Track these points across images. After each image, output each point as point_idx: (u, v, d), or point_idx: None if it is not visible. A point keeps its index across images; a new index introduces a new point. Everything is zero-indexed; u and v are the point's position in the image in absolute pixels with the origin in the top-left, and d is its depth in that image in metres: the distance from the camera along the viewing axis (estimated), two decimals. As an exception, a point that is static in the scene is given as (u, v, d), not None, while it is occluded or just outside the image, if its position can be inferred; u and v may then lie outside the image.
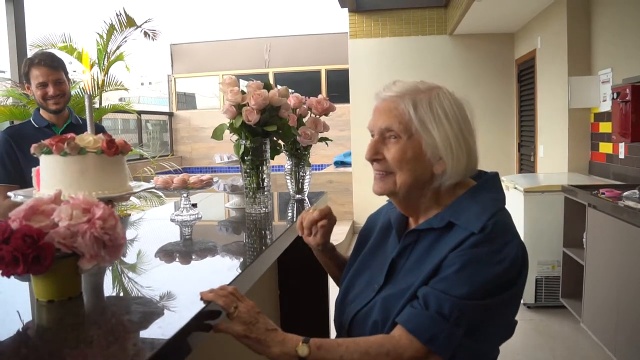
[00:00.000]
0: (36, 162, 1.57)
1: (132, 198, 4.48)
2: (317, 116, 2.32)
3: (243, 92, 1.87)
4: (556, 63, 4.89)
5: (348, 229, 6.52)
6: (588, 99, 4.23)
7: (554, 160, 4.99)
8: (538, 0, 4.99)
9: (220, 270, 1.37)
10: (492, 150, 6.38)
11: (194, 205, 1.97)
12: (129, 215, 2.81)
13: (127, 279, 1.27)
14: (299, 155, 2.34)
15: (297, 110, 2.28)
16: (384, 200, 1.30)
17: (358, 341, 1.08)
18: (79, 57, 5.07)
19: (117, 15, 5.16)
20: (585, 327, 3.28)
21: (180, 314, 0.97)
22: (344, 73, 7.59)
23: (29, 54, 4.85)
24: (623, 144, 3.77)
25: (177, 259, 1.48)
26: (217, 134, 1.96)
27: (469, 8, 5.25)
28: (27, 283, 1.11)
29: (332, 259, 1.48)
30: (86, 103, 1.62)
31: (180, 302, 1.06)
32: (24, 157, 2.41)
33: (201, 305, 1.00)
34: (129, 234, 1.80)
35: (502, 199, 1.17)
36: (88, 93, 1.63)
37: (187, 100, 13.09)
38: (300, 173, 2.37)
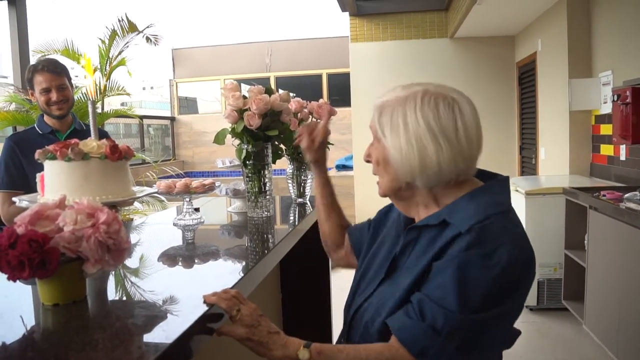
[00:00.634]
0: (40, 168, 1.58)
1: (134, 203, 4.49)
2: (318, 121, 2.33)
3: (245, 97, 1.88)
4: (557, 65, 4.90)
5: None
6: (589, 101, 4.24)
7: (556, 163, 5.00)
8: (538, 2, 5.00)
9: (222, 274, 1.38)
10: (493, 152, 6.38)
11: (197, 210, 1.98)
12: (132, 219, 2.82)
13: (130, 283, 1.28)
14: (301, 159, 2.35)
15: (299, 114, 2.29)
16: (384, 202, 1.32)
17: (358, 348, 1.09)
18: (81, 63, 5.09)
19: (119, 20, 5.19)
20: (587, 329, 3.28)
21: (183, 318, 0.98)
22: (345, 77, 7.60)
23: (31, 60, 4.88)
24: (624, 146, 3.78)
25: (179, 263, 1.49)
26: (219, 139, 1.97)
27: (470, 11, 5.27)
28: (32, 287, 1.13)
29: (330, 196, 1.58)
30: (89, 109, 1.63)
31: (183, 305, 1.07)
32: (28, 163, 2.42)
33: (204, 308, 1.01)
34: (132, 238, 1.81)
35: (503, 202, 1.13)
36: (91, 99, 1.64)
37: (188, 105, 13.13)
38: (302, 177, 2.38)
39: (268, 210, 1.96)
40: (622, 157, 3.85)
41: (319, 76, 11.81)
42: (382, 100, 1.17)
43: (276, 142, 2.02)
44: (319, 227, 1.62)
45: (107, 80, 5.29)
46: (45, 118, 2.56)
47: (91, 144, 1.50)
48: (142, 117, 9.19)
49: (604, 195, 3.10)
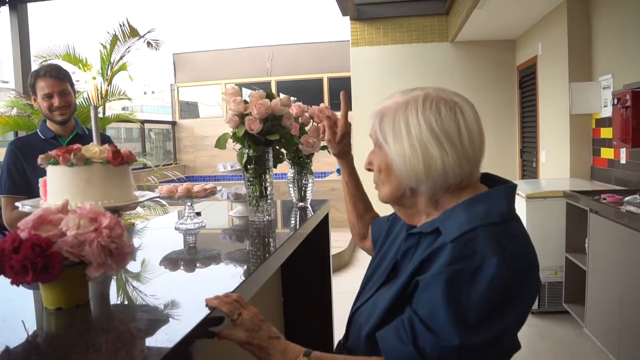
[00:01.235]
0: (43, 173, 1.59)
1: (136, 207, 4.50)
2: (319, 124, 2.34)
3: (246, 102, 1.89)
4: (557, 69, 4.91)
5: (351, 236, 6.50)
6: (589, 105, 4.25)
7: (556, 166, 5.00)
8: (538, 6, 5.02)
9: (224, 278, 1.39)
10: (494, 156, 6.38)
11: (198, 214, 1.99)
12: (134, 224, 2.82)
13: (132, 287, 1.29)
14: (302, 164, 2.36)
15: (299, 119, 2.30)
16: (386, 207, 1.31)
17: None
18: (83, 68, 5.10)
19: (120, 25, 5.20)
20: (588, 332, 3.28)
21: (185, 321, 0.98)
22: (346, 81, 7.61)
23: (33, 65, 4.90)
24: (624, 149, 3.78)
25: (181, 267, 1.50)
26: (221, 143, 1.98)
27: (470, 15, 5.28)
28: (35, 291, 1.13)
29: (356, 186, 1.59)
30: (92, 114, 1.64)
31: (185, 309, 1.08)
32: (30, 168, 2.43)
33: (205, 312, 1.02)
34: (134, 243, 1.81)
35: (498, 212, 1.06)
36: (94, 104, 1.65)
37: (189, 109, 13.15)
38: (303, 181, 2.38)
39: (269, 215, 1.97)
40: (623, 161, 3.86)
41: (320, 80, 11.83)
42: (382, 107, 1.15)
43: (277, 147, 2.03)
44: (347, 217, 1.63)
45: (108, 85, 5.30)
46: (48, 123, 2.57)
47: (93, 149, 1.51)
48: (143, 122, 9.20)
49: (604, 199, 3.10)
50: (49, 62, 4.76)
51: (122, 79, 5.55)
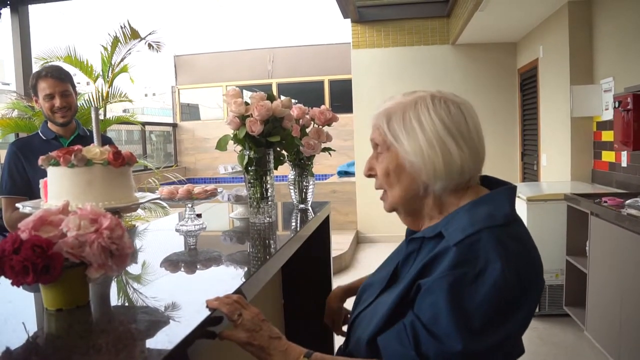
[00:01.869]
0: (44, 174, 1.59)
1: (137, 209, 4.50)
2: (320, 126, 2.34)
3: (247, 104, 1.89)
4: (558, 72, 4.91)
5: (352, 238, 6.51)
6: (590, 108, 4.25)
7: (557, 169, 5.00)
8: (540, 9, 5.02)
9: (224, 280, 1.39)
10: (495, 159, 6.39)
11: (199, 216, 1.99)
12: (135, 226, 2.82)
13: (133, 288, 1.29)
14: (303, 165, 2.35)
15: (300, 120, 2.30)
16: (389, 218, 1.29)
17: None
18: (84, 70, 5.11)
19: (121, 27, 5.21)
20: (588, 335, 3.28)
21: (186, 323, 0.98)
22: (347, 83, 7.63)
23: (34, 67, 4.90)
24: (625, 152, 3.78)
25: (182, 269, 1.50)
26: (221, 145, 1.98)
27: (471, 18, 5.29)
28: (36, 292, 1.13)
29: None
30: (92, 115, 1.64)
31: (186, 311, 1.07)
32: (31, 169, 2.43)
33: (206, 313, 1.02)
34: (135, 244, 1.81)
35: (501, 214, 1.06)
36: (94, 106, 1.65)
37: (190, 111, 13.16)
38: (304, 183, 2.38)
39: (270, 216, 1.97)
40: (624, 164, 3.86)
41: (321, 82, 11.84)
42: (385, 108, 1.15)
43: (278, 148, 2.03)
44: None
45: (109, 87, 5.30)
46: (49, 124, 2.57)
47: (94, 150, 1.51)
48: (144, 124, 9.21)
49: (605, 202, 3.10)
50: (50, 63, 4.77)
51: (123, 81, 5.55)
